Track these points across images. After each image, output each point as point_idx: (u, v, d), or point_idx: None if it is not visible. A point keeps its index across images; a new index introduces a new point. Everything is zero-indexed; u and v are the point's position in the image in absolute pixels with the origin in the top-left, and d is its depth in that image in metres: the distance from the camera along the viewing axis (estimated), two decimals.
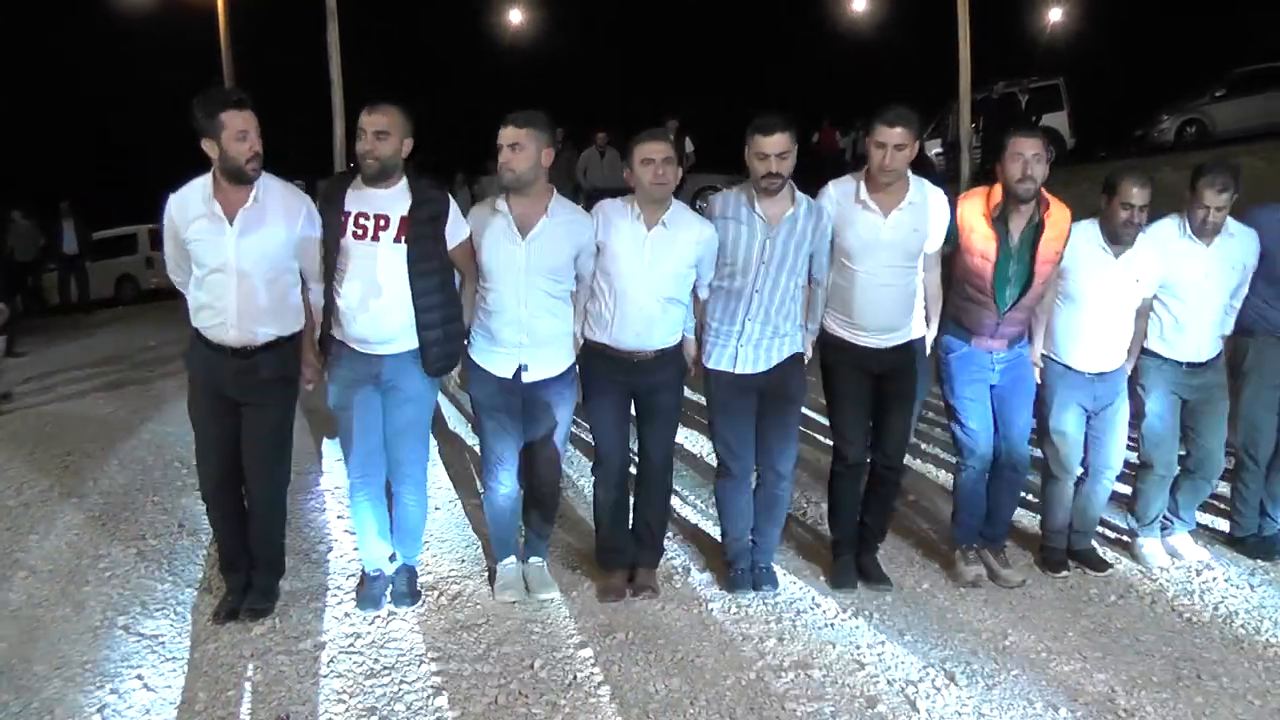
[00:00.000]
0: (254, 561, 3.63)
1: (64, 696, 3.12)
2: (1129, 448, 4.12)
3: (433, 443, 4.01)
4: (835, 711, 3.02)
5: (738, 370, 3.63)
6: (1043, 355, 3.88)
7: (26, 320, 11.65)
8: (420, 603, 3.72)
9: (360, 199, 3.39)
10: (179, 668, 3.29)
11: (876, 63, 21.71)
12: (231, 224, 3.28)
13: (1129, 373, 3.93)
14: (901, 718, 3.00)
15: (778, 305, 3.57)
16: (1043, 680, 3.19)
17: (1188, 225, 3.83)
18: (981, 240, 3.64)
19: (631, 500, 3.85)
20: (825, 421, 4.09)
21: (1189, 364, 3.92)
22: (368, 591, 3.72)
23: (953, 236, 3.69)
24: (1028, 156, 3.52)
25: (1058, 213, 3.65)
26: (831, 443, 3.90)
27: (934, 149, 15.61)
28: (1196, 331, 3.89)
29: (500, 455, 3.67)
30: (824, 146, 17.75)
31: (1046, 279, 3.70)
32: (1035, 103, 15.10)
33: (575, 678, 3.21)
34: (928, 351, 3.83)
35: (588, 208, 3.72)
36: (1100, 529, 4.20)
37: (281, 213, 3.35)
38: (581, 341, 3.68)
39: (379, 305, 3.38)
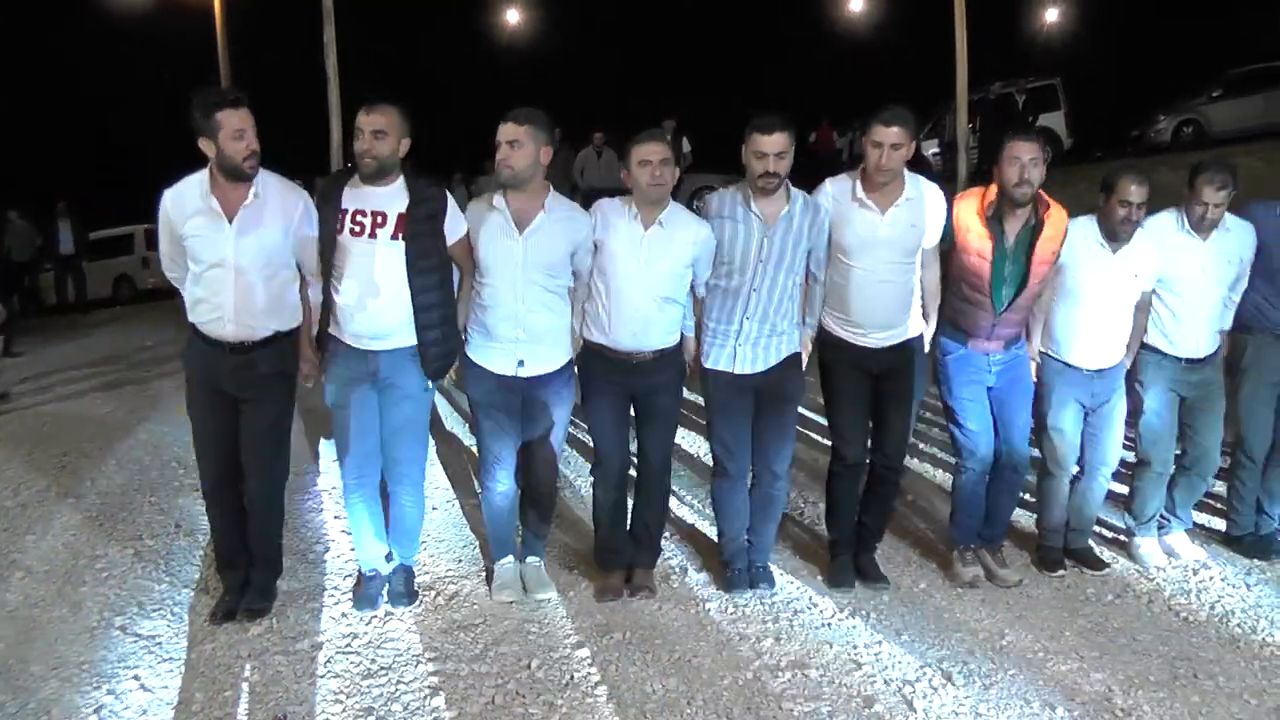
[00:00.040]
0: (252, 560, 3.63)
1: (61, 697, 3.11)
2: (1126, 446, 4.12)
3: (430, 442, 4.01)
4: (832, 711, 3.02)
5: (736, 370, 3.63)
6: (1041, 352, 3.89)
7: (23, 320, 11.66)
8: (417, 603, 3.71)
9: (358, 197, 3.39)
10: (176, 668, 3.28)
11: (874, 63, 21.73)
12: (230, 221, 3.28)
13: (1128, 368, 3.94)
14: (899, 717, 3.00)
15: (776, 304, 3.57)
16: (1040, 680, 3.19)
17: (1185, 220, 3.84)
18: (977, 240, 3.64)
19: (630, 501, 3.85)
20: (822, 421, 4.10)
21: (1188, 360, 3.92)
22: (364, 592, 3.72)
23: (948, 236, 3.70)
24: (1024, 160, 3.52)
25: (1056, 214, 3.66)
26: (829, 442, 3.90)
27: (931, 149, 15.64)
28: (1195, 326, 3.89)
29: (498, 454, 3.66)
30: (821, 146, 17.78)
31: (1043, 279, 3.70)
32: (1032, 103, 15.11)
33: (572, 678, 3.21)
34: (926, 349, 3.84)
35: (585, 208, 3.72)
36: (1097, 528, 4.20)
37: (280, 209, 3.36)
38: (581, 342, 3.68)
39: (376, 303, 3.39)
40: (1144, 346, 3.95)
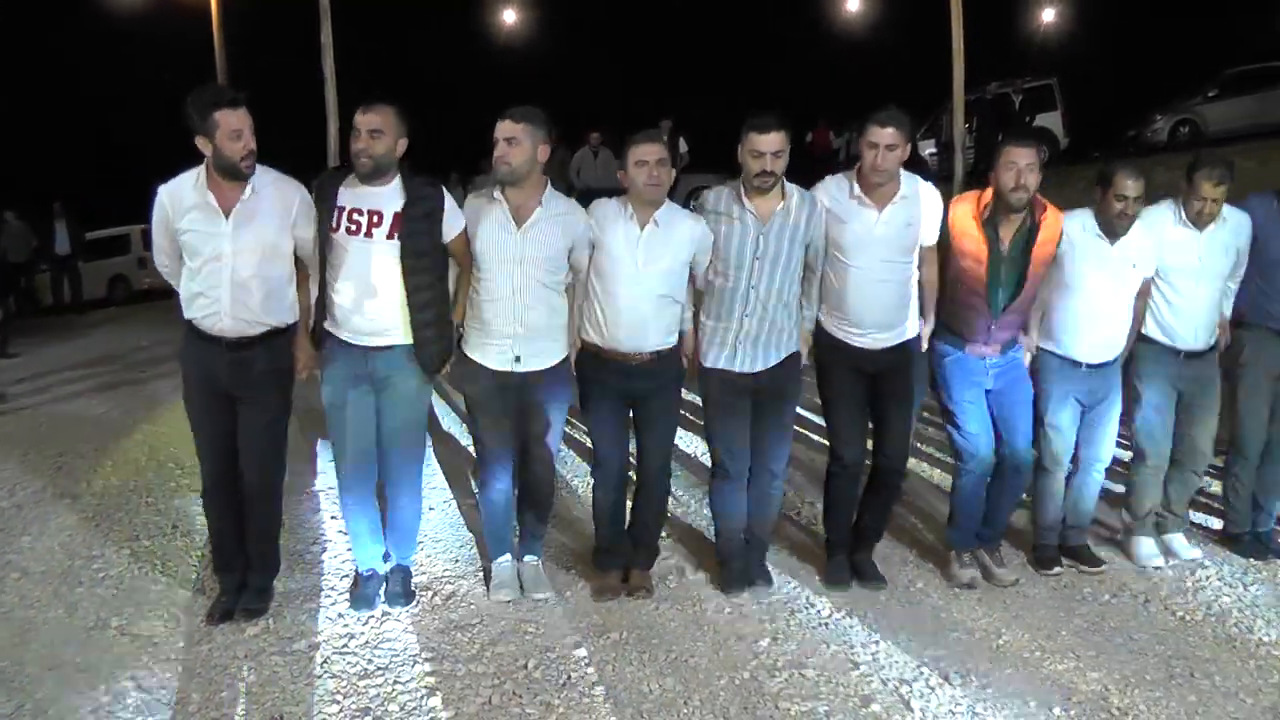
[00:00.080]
0: (249, 560, 3.63)
1: (58, 698, 3.11)
2: (1121, 445, 4.12)
3: (427, 442, 4.00)
4: (829, 711, 3.02)
5: (736, 369, 3.62)
6: (1039, 349, 3.89)
7: (19, 321, 11.65)
8: (414, 603, 3.71)
9: (354, 195, 3.39)
10: (172, 669, 3.28)
11: (871, 63, 21.76)
12: (227, 217, 3.28)
13: (1125, 358, 3.94)
14: (896, 717, 3.00)
15: (774, 301, 3.57)
16: (1036, 679, 3.20)
17: (1182, 213, 3.85)
18: (973, 243, 3.65)
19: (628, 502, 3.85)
20: (820, 421, 4.09)
21: (1186, 352, 3.92)
22: (362, 592, 3.72)
23: (944, 238, 3.70)
24: (1021, 166, 3.53)
25: (1051, 216, 3.67)
26: (826, 442, 3.90)
27: (928, 149, 15.67)
28: (1192, 317, 3.89)
29: (495, 453, 3.66)
30: (818, 146, 17.80)
31: (1038, 280, 3.71)
32: (1029, 103, 15.15)
33: (570, 678, 3.20)
34: (924, 348, 3.84)
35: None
36: (1094, 527, 4.20)
37: (277, 206, 3.36)
38: (579, 343, 3.68)
39: (373, 302, 3.38)
40: (1141, 339, 3.95)
